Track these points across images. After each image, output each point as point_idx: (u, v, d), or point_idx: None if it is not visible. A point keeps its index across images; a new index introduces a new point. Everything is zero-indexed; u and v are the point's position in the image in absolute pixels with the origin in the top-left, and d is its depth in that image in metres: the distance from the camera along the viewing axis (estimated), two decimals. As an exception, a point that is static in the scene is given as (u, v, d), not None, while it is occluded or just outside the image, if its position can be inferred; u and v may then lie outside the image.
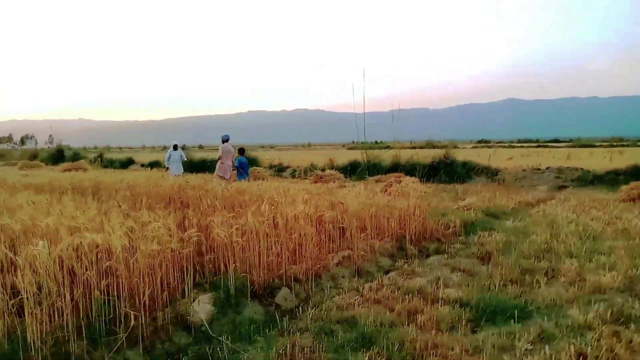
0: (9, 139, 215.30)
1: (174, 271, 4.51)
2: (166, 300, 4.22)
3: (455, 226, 8.32)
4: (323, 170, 20.01)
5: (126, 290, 3.88)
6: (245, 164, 13.21)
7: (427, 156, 20.01)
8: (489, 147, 59.67)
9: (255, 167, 21.93)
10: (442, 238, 7.75)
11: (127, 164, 34.21)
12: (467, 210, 10.08)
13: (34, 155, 44.75)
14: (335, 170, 20.14)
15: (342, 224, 6.28)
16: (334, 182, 18.15)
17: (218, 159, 13.55)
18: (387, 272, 6.04)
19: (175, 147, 15.57)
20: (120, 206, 7.29)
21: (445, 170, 18.04)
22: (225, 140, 13.54)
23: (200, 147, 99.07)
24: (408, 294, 4.87)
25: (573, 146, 53.09)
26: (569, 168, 18.21)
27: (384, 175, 18.41)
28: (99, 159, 38.11)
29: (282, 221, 5.26)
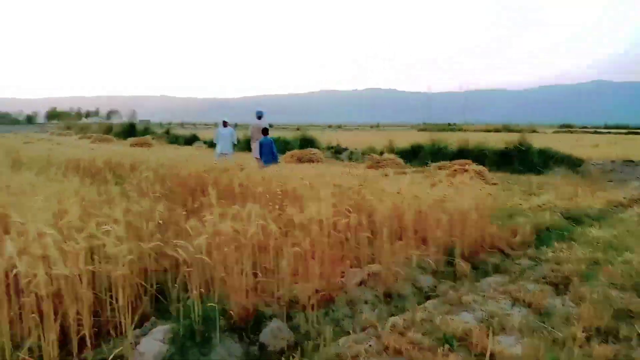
0: (96, 113, 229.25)
1: (126, 295, 3.40)
2: (97, 336, 3.11)
3: (524, 233, 6.69)
4: (381, 154, 18.47)
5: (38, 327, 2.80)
6: (268, 146, 11.67)
7: (500, 141, 17.88)
8: (571, 133, 54.74)
9: (311, 149, 20.78)
10: (506, 249, 6.17)
11: (191, 140, 34.24)
12: (541, 210, 8.33)
13: (109, 129, 46.35)
14: (395, 154, 18.55)
15: (367, 230, 4.89)
16: (391, 167, 16.64)
17: (251, 139, 12.47)
18: (426, 297, 4.64)
19: (225, 124, 14.52)
20: (127, 194, 6.39)
21: (519, 158, 15.94)
22: (259, 116, 12.35)
23: (270, 125, 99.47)
24: (445, 344, 3.46)
25: (671, 133, 47.38)
26: (670, 160, 15.51)
27: (448, 162, 16.63)
28: (166, 134, 38.68)
29: (270, 229, 3.97)
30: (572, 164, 15.47)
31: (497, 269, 5.51)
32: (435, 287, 4.89)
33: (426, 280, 4.95)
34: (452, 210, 5.83)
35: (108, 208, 4.27)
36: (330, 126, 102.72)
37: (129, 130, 40.64)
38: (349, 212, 4.94)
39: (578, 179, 13.62)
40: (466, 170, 12.60)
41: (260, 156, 11.72)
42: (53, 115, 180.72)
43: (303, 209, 4.56)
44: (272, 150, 11.75)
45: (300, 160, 19.31)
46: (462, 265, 5.22)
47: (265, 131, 11.91)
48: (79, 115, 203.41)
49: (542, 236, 6.86)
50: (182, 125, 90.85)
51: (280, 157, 20.72)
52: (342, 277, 4.52)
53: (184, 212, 4.81)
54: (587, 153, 19.02)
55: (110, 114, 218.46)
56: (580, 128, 76.60)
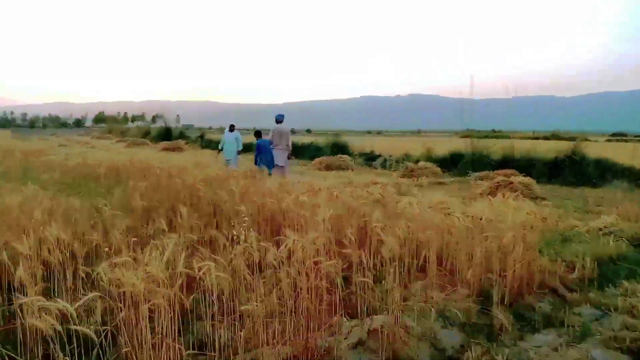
0: (142, 117, 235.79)
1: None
2: None
3: (583, 267, 5.27)
4: (417, 162, 17.07)
5: None
6: (263, 149, 10.84)
7: (549, 149, 16.14)
8: (626, 141, 51.09)
9: (341, 156, 19.57)
10: (560, 289, 4.79)
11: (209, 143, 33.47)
12: (602, 234, 6.84)
13: (146, 133, 46.62)
14: (432, 162, 17.11)
15: (369, 274, 3.65)
16: (426, 177, 15.26)
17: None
18: (449, 366, 3.36)
19: (231, 129, 13.56)
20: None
21: (571, 169, 14.22)
22: (279, 120, 11.32)
23: (308, 131, 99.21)
24: None
25: None
26: None
27: (491, 172, 15.09)
28: (200, 139, 38.37)
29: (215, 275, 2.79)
30: (635, 177, 13.62)
31: (548, 321, 4.15)
32: (463, 347, 3.60)
33: (450, 339, 3.66)
34: (491, 239, 4.51)
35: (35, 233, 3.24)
36: (369, 132, 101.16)
37: (165, 135, 40.57)
38: (349, 243, 3.73)
39: (642, 194, 11.87)
40: (511, 183, 11.12)
41: (261, 162, 10.85)
42: (100, 119, 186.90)
43: (286, 240, 3.39)
44: (266, 154, 10.92)
45: (329, 167, 18.17)
46: (502, 317, 3.90)
47: (258, 134, 11.08)
48: (125, 119, 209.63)
49: (607, 271, 5.41)
50: (222, 129, 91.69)
51: (309, 164, 19.68)
52: (332, 334, 3.30)
53: (135, 239, 3.73)
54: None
55: (155, 118, 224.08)
56: (634, 136, 71.88)
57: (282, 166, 11.41)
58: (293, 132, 11.64)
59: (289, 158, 11.61)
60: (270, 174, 10.38)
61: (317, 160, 19.08)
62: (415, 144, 23.66)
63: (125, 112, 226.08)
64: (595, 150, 16.40)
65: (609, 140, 50.40)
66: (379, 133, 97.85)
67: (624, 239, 6.59)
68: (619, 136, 71.14)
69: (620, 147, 29.98)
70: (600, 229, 6.95)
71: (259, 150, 11.00)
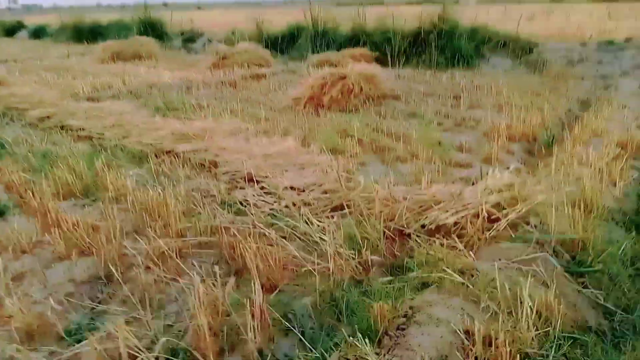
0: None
1: None
2: None
3: None
4: (238, 42, 12.04)
5: None
6: None
7: (414, 16, 11.84)
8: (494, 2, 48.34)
9: (139, 37, 13.80)
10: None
11: (11, 31, 24.67)
12: (490, 237, 2.79)
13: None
14: (261, 43, 12.26)
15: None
16: (245, 65, 10.51)
17: None
18: None
19: None
20: None
21: (438, 44, 10.21)
22: None
23: (165, 4, 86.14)
24: None
25: None
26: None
27: (334, 53, 10.71)
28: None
29: None
30: (520, 49, 9.96)
31: None
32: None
33: None
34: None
35: None
36: (240, 3, 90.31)
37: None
38: None
39: (532, 77, 8.24)
40: (344, 78, 6.79)
41: None
42: None
43: None
44: None
45: (120, 56, 12.57)
46: None
47: None
48: None
49: None
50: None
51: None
52: None
53: None
54: (526, 29, 13.47)
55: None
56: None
57: None
58: None
59: None
60: None
61: (101, 45, 13.20)
62: (247, 16, 18.04)
63: None
64: (468, 14, 12.38)
65: (480, 2, 47.39)
66: (257, 4, 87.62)
67: (551, 244, 2.58)
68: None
69: (492, 10, 26.65)
70: (485, 210, 2.88)
71: None
